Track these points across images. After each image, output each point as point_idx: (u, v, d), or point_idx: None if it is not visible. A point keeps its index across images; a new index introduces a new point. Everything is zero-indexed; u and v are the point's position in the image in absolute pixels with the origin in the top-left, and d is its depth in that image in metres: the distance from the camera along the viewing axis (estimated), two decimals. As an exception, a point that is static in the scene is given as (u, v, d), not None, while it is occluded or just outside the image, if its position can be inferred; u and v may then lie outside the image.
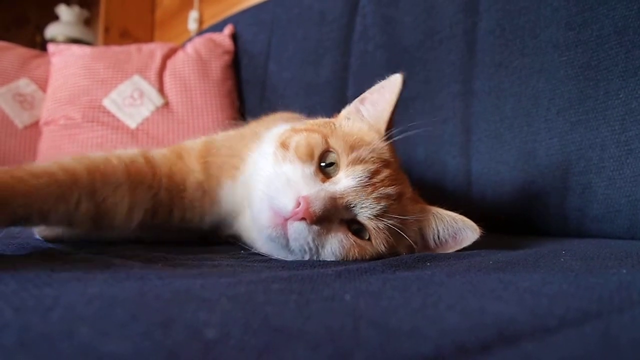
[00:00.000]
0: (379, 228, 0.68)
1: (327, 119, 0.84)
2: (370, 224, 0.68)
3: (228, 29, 1.93)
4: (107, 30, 2.90)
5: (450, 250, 0.74)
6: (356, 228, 0.69)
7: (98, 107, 1.67)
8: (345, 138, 0.72)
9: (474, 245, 0.73)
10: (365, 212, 0.67)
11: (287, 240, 0.66)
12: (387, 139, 0.75)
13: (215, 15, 2.47)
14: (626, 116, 0.94)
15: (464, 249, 0.73)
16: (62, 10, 3.09)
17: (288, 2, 1.79)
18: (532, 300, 0.41)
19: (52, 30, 3.07)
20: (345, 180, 0.68)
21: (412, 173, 0.95)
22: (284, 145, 0.72)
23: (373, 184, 0.68)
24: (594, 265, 0.59)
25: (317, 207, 0.63)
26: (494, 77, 1.18)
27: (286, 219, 0.65)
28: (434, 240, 0.75)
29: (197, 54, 1.82)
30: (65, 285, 0.40)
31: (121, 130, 1.65)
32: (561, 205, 1.04)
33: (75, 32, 3.05)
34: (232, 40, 1.91)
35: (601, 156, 0.97)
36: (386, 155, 0.73)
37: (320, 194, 0.64)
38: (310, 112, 0.96)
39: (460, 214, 0.73)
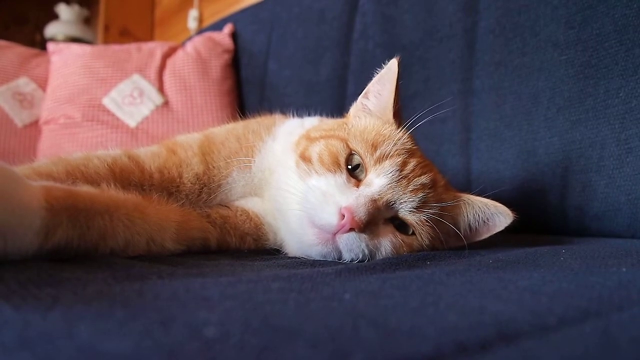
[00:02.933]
0: (422, 221, 0.68)
1: (338, 120, 0.83)
2: (412, 218, 0.67)
3: (228, 28, 1.93)
4: (106, 29, 2.90)
5: (483, 237, 0.74)
6: (398, 224, 0.68)
7: (98, 106, 1.67)
8: (363, 137, 0.71)
9: (473, 245, 0.73)
10: (405, 207, 0.67)
11: (340, 252, 0.65)
12: (404, 128, 0.74)
13: (215, 13, 2.46)
14: (626, 115, 0.94)
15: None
16: (62, 9, 3.09)
17: (288, 0, 1.78)
18: (532, 299, 0.41)
19: (51, 29, 3.06)
20: (377, 180, 0.67)
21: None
22: (304, 158, 0.71)
23: (406, 177, 0.68)
24: (593, 264, 0.59)
25: (361, 214, 0.62)
26: (494, 75, 1.18)
27: (334, 234, 0.64)
28: (466, 229, 0.74)
29: (196, 53, 1.82)
30: (65, 284, 0.40)
31: (121, 129, 1.65)
32: (561, 204, 1.04)
33: (75, 31, 3.05)
34: (231, 39, 1.91)
35: (601, 154, 0.97)
36: (408, 144, 0.72)
37: (361, 200, 0.63)
38: (310, 111, 0.97)
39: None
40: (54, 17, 3.12)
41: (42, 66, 1.83)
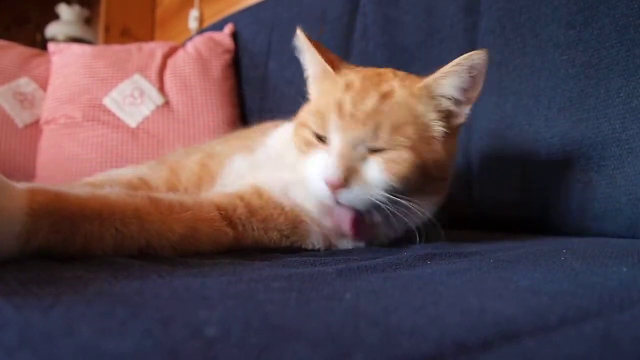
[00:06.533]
0: (388, 133, 0.70)
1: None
2: (381, 142, 0.70)
3: (228, 28, 1.93)
4: (107, 29, 2.90)
5: (476, 92, 0.76)
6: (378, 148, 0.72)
7: (98, 106, 1.67)
8: (313, 109, 0.78)
9: (474, 244, 0.73)
10: (367, 139, 0.70)
11: (354, 206, 0.71)
12: (338, 70, 0.80)
13: (216, 14, 2.46)
14: (627, 114, 0.94)
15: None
16: (63, 9, 3.09)
17: (288, 1, 1.78)
18: (533, 299, 0.41)
19: (52, 29, 3.06)
20: (334, 137, 0.71)
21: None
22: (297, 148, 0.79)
23: (350, 114, 0.70)
24: (594, 263, 0.59)
25: (335, 175, 0.68)
26: (495, 75, 1.18)
27: (337, 202, 0.70)
28: (460, 94, 0.75)
29: (197, 53, 1.82)
30: (65, 283, 0.40)
31: (121, 129, 1.65)
32: (562, 204, 1.04)
33: (76, 31, 3.05)
34: (232, 39, 1.91)
35: (602, 154, 0.97)
36: (340, 84, 0.76)
37: (329, 164, 0.69)
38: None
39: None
40: (55, 17, 3.12)
41: (42, 66, 1.83)
